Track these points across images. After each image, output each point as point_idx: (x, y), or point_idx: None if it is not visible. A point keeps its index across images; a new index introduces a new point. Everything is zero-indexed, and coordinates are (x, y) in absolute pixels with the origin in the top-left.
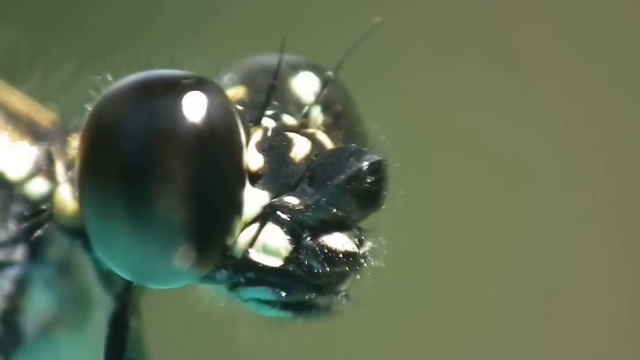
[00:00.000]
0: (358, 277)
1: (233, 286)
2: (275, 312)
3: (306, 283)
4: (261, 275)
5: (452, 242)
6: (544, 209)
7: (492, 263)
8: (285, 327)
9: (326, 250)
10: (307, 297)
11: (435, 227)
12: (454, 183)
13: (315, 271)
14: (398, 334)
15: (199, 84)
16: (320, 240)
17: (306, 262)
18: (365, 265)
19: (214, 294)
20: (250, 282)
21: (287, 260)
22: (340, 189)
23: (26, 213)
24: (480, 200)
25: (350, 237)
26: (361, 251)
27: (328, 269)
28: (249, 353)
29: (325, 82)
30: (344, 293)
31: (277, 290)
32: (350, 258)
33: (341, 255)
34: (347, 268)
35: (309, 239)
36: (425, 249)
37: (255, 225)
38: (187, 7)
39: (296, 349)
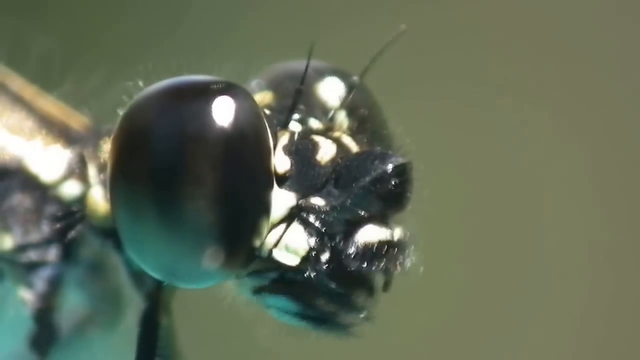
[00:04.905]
0: (399, 265)
1: (257, 291)
2: (296, 322)
3: (330, 290)
4: (287, 276)
5: (477, 244)
6: (571, 216)
7: (515, 266)
8: (306, 335)
9: (358, 244)
10: (328, 309)
11: (458, 229)
12: (478, 185)
13: (340, 272)
14: (420, 338)
15: (227, 89)
16: (350, 237)
17: (331, 264)
18: (404, 252)
19: (238, 296)
20: (275, 287)
21: (312, 260)
22: (365, 190)
23: (59, 214)
24: (504, 203)
25: (380, 227)
26: (395, 237)
27: (363, 265)
28: (274, 354)
29: (351, 87)
30: (365, 311)
31: (299, 300)
32: (386, 246)
33: (376, 246)
34: (384, 259)
35: (334, 240)
36: (449, 250)
37: (282, 227)
38: (216, 14)
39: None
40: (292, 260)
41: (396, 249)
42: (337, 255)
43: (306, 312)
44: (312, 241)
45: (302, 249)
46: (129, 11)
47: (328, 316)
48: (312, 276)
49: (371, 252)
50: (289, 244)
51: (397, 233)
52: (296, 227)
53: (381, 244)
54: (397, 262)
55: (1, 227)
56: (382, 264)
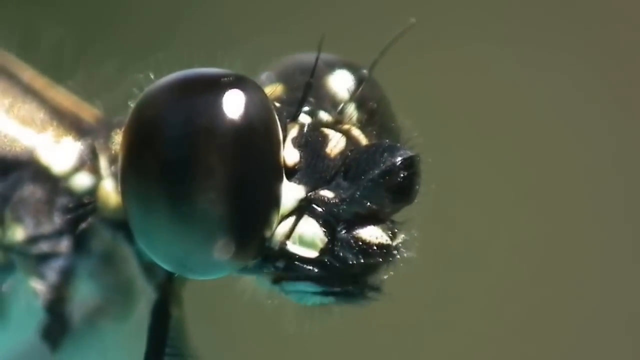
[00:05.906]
0: (390, 268)
1: (276, 280)
2: (316, 300)
3: (341, 273)
4: (297, 265)
5: (481, 237)
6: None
7: (521, 257)
8: (327, 315)
9: (360, 243)
10: (344, 285)
11: (463, 222)
12: (484, 178)
13: (349, 262)
14: (426, 325)
15: (238, 81)
16: (354, 232)
17: (340, 254)
18: (397, 257)
19: (256, 285)
20: (289, 275)
21: (322, 251)
22: (374, 183)
23: (70, 206)
24: (510, 197)
25: (383, 230)
26: (394, 243)
27: (362, 260)
28: (289, 342)
29: (360, 80)
30: (378, 283)
31: (318, 282)
32: (383, 250)
33: (374, 247)
34: (380, 259)
35: (343, 231)
36: (455, 243)
37: (292, 218)
38: (227, 6)
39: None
40: (308, 253)
41: (394, 242)
42: (345, 247)
43: (326, 290)
44: (324, 233)
45: (315, 241)
46: (141, 3)
47: (347, 290)
48: (326, 266)
49: (367, 252)
50: (304, 237)
51: (397, 237)
52: (308, 219)
53: (379, 246)
54: (392, 256)
55: (13, 218)
56: (377, 258)
